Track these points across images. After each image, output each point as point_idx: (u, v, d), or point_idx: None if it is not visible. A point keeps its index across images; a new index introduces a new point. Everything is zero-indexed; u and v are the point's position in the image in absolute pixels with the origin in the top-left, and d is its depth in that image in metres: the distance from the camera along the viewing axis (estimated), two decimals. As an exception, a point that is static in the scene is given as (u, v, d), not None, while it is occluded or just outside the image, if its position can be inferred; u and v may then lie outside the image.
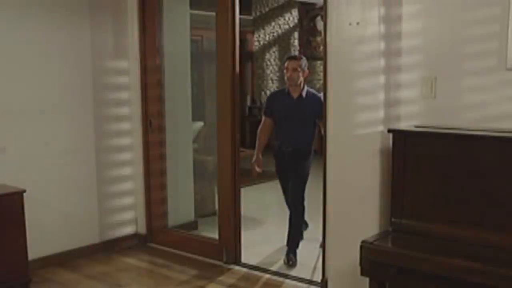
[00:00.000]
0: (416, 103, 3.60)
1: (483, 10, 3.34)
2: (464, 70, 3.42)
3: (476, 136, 3.15)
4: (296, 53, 11.62)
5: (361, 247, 3.19)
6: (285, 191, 5.21)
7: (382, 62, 3.60)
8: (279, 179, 5.26)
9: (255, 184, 7.69)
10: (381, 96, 3.62)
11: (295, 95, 4.94)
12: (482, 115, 3.34)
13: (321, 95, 4.49)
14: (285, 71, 4.93)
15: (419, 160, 3.31)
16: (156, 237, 5.45)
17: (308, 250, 5.10)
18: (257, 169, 5.16)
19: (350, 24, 3.64)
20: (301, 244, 5.06)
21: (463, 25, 3.42)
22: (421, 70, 3.57)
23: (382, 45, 3.59)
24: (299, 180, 4.99)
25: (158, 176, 5.41)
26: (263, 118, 5.18)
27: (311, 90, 5.05)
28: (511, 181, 3.00)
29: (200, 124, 6.92)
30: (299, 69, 4.86)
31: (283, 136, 5.03)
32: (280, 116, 5.01)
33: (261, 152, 5.15)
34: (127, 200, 5.43)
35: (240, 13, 4.62)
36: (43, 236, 4.67)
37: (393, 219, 3.37)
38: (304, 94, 4.94)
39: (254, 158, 5.17)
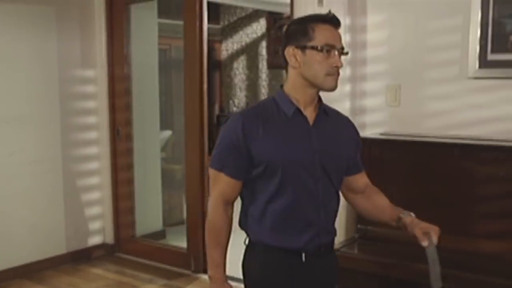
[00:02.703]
0: (381, 111, 3.66)
1: (446, 20, 3.42)
2: (428, 79, 3.50)
3: (438, 143, 3.24)
4: (264, 63, 11.62)
5: (328, 253, 3.21)
6: None
7: (348, 71, 3.64)
8: None
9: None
10: (347, 105, 3.67)
11: (311, 114, 2.16)
12: (444, 123, 3.42)
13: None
14: (322, 53, 2.16)
15: (384, 167, 3.35)
16: (123, 246, 5.41)
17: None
18: None
19: (316, 33, 3.67)
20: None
21: (426, 35, 3.49)
22: (386, 78, 3.63)
23: (348, 54, 3.63)
24: None
25: (126, 185, 5.37)
26: (220, 179, 2.20)
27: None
28: (471, 186, 3.07)
29: (168, 132, 6.90)
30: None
31: (294, 219, 2.16)
32: (284, 169, 2.07)
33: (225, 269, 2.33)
34: (95, 210, 5.37)
35: (208, 22, 4.65)
36: (8, 247, 4.60)
37: (359, 226, 3.40)
38: (326, 110, 2.22)
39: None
